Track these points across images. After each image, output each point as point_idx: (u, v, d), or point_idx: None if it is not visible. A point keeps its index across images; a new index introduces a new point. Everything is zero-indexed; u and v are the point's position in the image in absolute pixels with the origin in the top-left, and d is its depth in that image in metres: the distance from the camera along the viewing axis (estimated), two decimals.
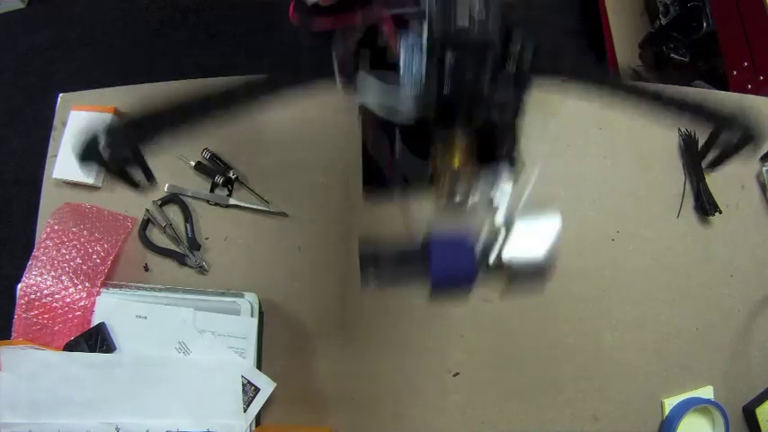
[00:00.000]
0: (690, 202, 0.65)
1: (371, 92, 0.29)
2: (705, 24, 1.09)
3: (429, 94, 0.27)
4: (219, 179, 0.59)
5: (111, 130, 0.30)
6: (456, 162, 0.27)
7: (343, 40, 0.32)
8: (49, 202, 0.63)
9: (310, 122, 0.62)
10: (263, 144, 0.63)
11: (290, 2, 0.40)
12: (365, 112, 0.29)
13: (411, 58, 0.29)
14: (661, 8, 1.22)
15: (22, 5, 1.97)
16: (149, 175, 0.33)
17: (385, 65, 0.32)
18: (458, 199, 0.27)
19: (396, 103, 0.28)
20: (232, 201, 0.60)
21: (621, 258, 0.63)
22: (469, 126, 0.28)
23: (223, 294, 0.58)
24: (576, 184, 0.65)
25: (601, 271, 0.63)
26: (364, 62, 0.32)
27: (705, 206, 0.64)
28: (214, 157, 0.61)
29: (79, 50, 1.86)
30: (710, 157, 0.35)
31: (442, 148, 0.28)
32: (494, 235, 0.27)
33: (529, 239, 0.26)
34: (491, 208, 0.28)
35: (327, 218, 0.62)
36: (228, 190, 0.60)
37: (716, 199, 0.65)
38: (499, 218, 0.27)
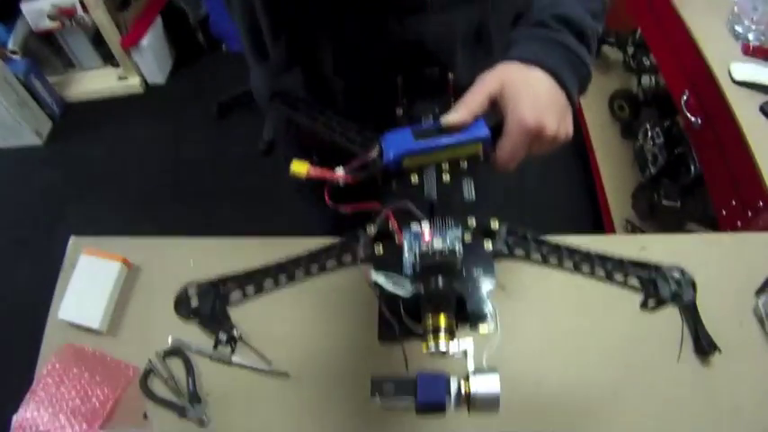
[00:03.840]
0: (689, 345, 0.66)
1: (383, 275, 0.41)
2: (693, 169, 1.13)
3: (416, 287, 0.40)
4: (223, 336, 0.59)
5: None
6: (439, 323, 0.39)
7: (365, 232, 0.46)
8: (52, 340, 0.64)
9: (317, 290, 0.64)
10: (267, 303, 0.64)
11: (318, 186, 0.48)
12: (379, 288, 0.41)
13: (408, 256, 0.42)
14: (650, 157, 1.27)
15: (39, 142, 1.99)
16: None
17: (393, 249, 0.44)
18: (441, 349, 0.38)
19: (398, 286, 0.41)
20: (235, 359, 0.61)
21: (624, 404, 0.63)
22: (446, 305, 0.39)
23: None
24: (575, 334, 0.66)
25: (604, 418, 0.62)
26: (378, 250, 0.46)
27: (704, 347, 0.65)
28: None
29: (92, 192, 1.90)
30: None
31: (430, 314, 0.39)
32: (464, 375, 0.39)
33: (485, 382, 0.38)
34: (464, 356, 0.39)
35: (330, 379, 0.62)
36: (231, 347, 0.61)
37: (714, 339, 0.65)
38: (469, 365, 0.39)
